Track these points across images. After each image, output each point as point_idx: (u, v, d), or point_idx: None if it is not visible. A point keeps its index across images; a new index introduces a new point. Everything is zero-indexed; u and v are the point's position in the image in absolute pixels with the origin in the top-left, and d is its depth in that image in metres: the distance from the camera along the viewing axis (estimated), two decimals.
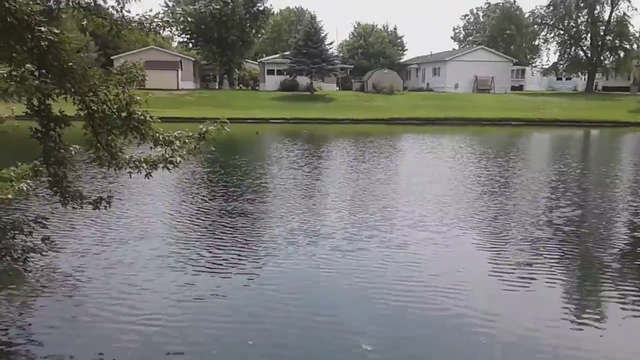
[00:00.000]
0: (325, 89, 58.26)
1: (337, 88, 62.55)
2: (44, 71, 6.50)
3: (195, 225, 10.54)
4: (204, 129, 7.33)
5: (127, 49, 63.70)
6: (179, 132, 7.27)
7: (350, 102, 53.12)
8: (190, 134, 7.31)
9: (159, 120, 6.99)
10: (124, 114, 6.65)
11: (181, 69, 60.20)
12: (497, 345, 5.93)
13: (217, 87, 65.28)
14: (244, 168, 18.36)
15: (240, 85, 68.00)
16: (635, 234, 10.54)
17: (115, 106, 6.71)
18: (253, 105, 49.27)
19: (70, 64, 6.24)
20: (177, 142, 7.04)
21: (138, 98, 6.80)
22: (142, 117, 6.67)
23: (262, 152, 25.64)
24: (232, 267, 8.09)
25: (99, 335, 5.96)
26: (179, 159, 7.44)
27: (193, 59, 64.08)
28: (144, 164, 7.27)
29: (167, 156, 7.41)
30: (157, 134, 6.87)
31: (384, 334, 6.09)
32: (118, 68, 7.16)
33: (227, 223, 10.63)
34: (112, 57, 58.38)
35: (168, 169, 7.54)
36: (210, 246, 9.08)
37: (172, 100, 51.09)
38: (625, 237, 10.40)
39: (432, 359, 5.67)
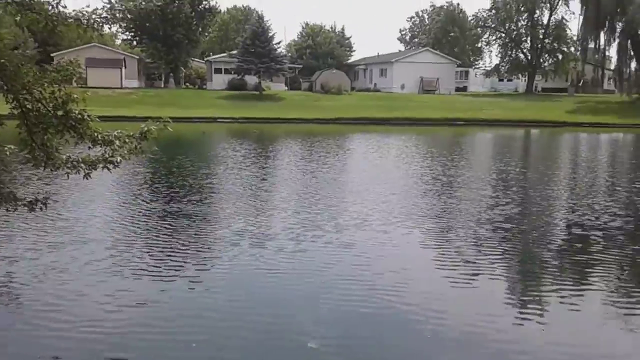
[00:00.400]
0: (273, 89, 58.07)
1: (286, 88, 62.47)
2: None
3: (136, 228, 10.22)
4: (146, 128, 7.16)
5: (68, 46, 61.66)
6: (119, 131, 7.07)
7: (299, 101, 53.13)
8: (131, 133, 7.13)
9: (98, 119, 6.79)
10: (60, 113, 6.42)
11: (125, 67, 58.76)
12: (442, 340, 6.02)
13: (162, 85, 64.03)
14: (188, 168, 18.05)
15: (187, 84, 67.00)
16: (573, 230, 10.94)
17: (51, 104, 6.48)
18: (200, 105, 48.59)
19: (2, 60, 5.99)
20: (117, 142, 6.85)
21: (75, 96, 6.58)
22: (80, 115, 6.46)
23: (208, 152, 25.31)
24: (175, 270, 7.89)
25: (36, 344, 5.72)
26: (119, 158, 7.24)
27: (137, 57, 62.66)
28: (82, 164, 7.04)
29: (107, 156, 7.20)
30: (96, 133, 6.67)
31: (331, 333, 6.09)
32: (54, 65, 6.93)
33: (169, 225, 10.38)
34: (52, 55, 56.45)
35: (108, 169, 7.34)
36: (151, 250, 8.83)
37: (116, 98, 49.82)
38: (563, 233, 10.81)
39: (378, 356, 5.69)
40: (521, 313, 6.84)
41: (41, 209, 7.00)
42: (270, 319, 6.43)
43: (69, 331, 5.94)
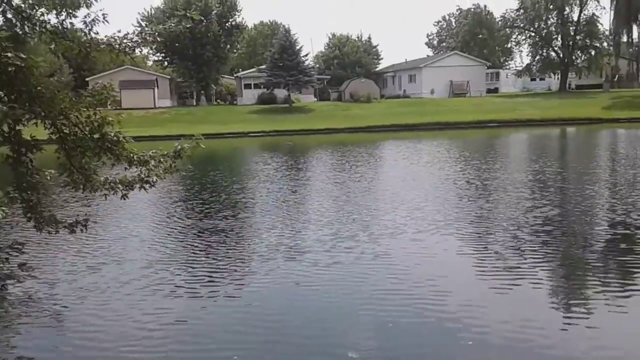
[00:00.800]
0: (303, 101, 58.40)
1: (315, 99, 62.75)
2: (13, 97, 6.42)
3: (172, 246, 10.33)
4: (179, 147, 7.30)
5: (102, 70, 63.25)
6: (154, 151, 7.23)
7: (329, 112, 53.29)
8: (165, 152, 7.28)
9: (133, 140, 6.95)
10: (96, 136, 6.60)
11: (157, 87, 59.90)
12: (485, 347, 5.92)
13: (194, 103, 65.10)
14: (221, 184, 18.26)
15: (218, 100, 67.93)
16: (616, 230, 10.61)
17: (88, 128, 6.67)
18: (231, 120, 49.20)
19: (39, 88, 6.19)
20: (152, 162, 7.01)
21: (110, 119, 6.76)
22: (115, 137, 6.63)
23: (240, 167, 25.54)
24: (212, 287, 7.93)
25: (94, 353, 5.86)
26: (155, 178, 7.41)
27: (169, 77, 63.90)
28: (119, 185, 7.21)
29: (143, 176, 7.37)
30: (132, 154, 6.83)
31: (371, 344, 6.06)
32: (89, 90, 7.12)
33: (204, 242, 10.44)
34: (87, 79, 57.99)
35: (145, 188, 7.50)
36: (187, 267, 8.89)
37: (150, 118, 50.80)
38: (606, 234, 10.46)
39: None
40: (566, 317, 6.68)
41: (82, 230, 7.16)
42: (308, 331, 6.43)
43: (111, 350, 6.04)
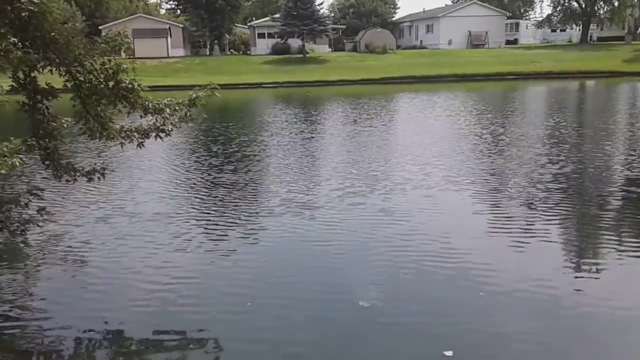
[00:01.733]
0: (317, 51, 57.61)
1: (330, 49, 61.86)
2: (27, 43, 6.38)
3: (182, 199, 10.32)
4: (194, 95, 7.25)
5: (114, 18, 62.69)
6: (169, 99, 7.18)
7: (344, 62, 52.63)
8: (180, 100, 7.23)
9: (148, 89, 6.91)
10: (111, 83, 6.56)
11: (170, 36, 59.32)
12: (496, 298, 5.98)
13: (207, 53, 64.48)
14: (233, 136, 18.19)
15: (231, 50, 67.20)
16: (632, 188, 10.49)
17: (102, 75, 6.61)
18: (245, 70, 48.82)
19: (53, 34, 6.12)
20: (168, 110, 6.97)
21: (125, 66, 6.71)
22: (130, 85, 6.58)
23: (254, 118, 25.43)
24: (222, 243, 7.92)
25: (84, 307, 6.02)
26: (170, 127, 7.39)
27: (182, 26, 63.12)
28: (135, 134, 7.20)
29: (159, 124, 7.35)
30: (147, 102, 6.79)
31: (381, 295, 6.11)
32: (103, 37, 7.04)
33: (215, 196, 10.40)
34: (99, 27, 57.48)
35: (160, 137, 7.48)
36: (197, 222, 8.87)
37: (163, 68, 50.54)
38: (622, 192, 10.34)
39: (430, 310, 5.72)
40: (578, 276, 6.66)
41: (99, 178, 7.21)
42: (319, 283, 6.50)
43: (119, 302, 6.15)
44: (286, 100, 33.98)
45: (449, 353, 4.87)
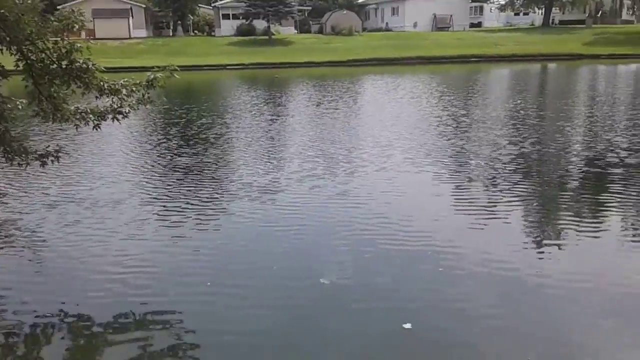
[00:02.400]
0: (283, 33, 57.14)
1: (296, 31, 61.39)
2: None
3: (141, 182, 10.11)
4: (152, 77, 7.11)
5: None
6: (126, 80, 7.03)
7: (309, 44, 52.31)
8: (138, 82, 7.08)
9: (104, 69, 6.74)
10: (64, 63, 6.38)
11: (132, 17, 57.98)
12: (458, 275, 6.07)
13: (170, 34, 63.25)
14: (194, 118, 17.84)
15: (195, 31, 66.08)
16: (591, 168, 10.68)
17: (55, 55, 6.43)
18: (209, 52, 48.11)
19: (2, 11, 5.90)
20: (124, 91, 6.82)
21: (79, 45, 6.53)
22: (85, 65, 6.41)
23: (217, 100, 25.10)
24: (181, 226, 7.82)
25: (62, 291, 5.91)
26: (127, 108, 7.25)
27: (144, 6, 61.65)
28: (90, 115, 7.04)
29: (116, 106, 7.20)
30: (102, 83, 6.63)
31: (343, 273, 6.14)
32: (55, 15, 6.82)
33: (175, 179, 10.26)
34: (58, 7, 55.66)
35: (117, 119, 7.35)
36: (154, 204, 8.74)
37: (124, 49, 49.47)
38: (579, 172, 10.57)
39: (389, 287, 5.78)
40: (537, 252, 6.80)
41: (52, 162, 7.02)
42: (280, 263, 6.48)
43: (78, 287, 6.07)
44: (251, 82, 33.65)
45: (407, 325, 4.98)
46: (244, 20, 57.52)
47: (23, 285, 6.08)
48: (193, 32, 65.67)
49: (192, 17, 65.26)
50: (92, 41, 7.20)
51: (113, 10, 56.28)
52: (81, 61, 6.39)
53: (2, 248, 6.96)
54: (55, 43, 6.39)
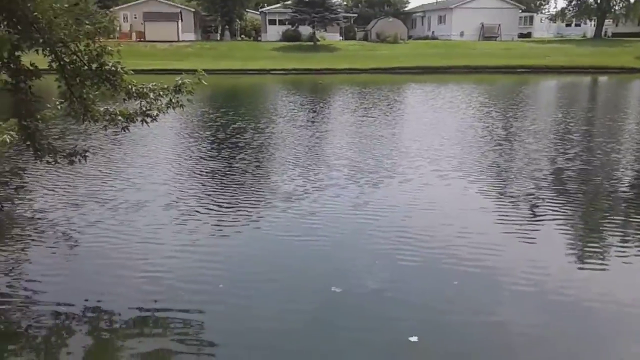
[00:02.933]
0: (328, 39, 57.31)
1: (341, 37, 61.48)
2: (11, 22, 6.36)
3: (166, 187, 10.06)
4: (180, 82, 7.21)
5: (126, 1, 62.62)
6: (154, 84, 7.16)
7: (354, 51, 52.34)
8: (166, 86, 7.20)
9: (132, 72, 6.88)
10: (94, 65, 6.54)
11: (181, 20, 59.20)
12: (475, 288, 5.97)
13: (218, 38, 64.30)
14: (229, 122, 18.04)
15: (242, 36, 66.91)
16: (636, 186, 10.34)
17: (86, 57, 6.60)
18: (255, 56, 48.65)
19: (35, 13, 6.10)
20: (152, 95, 6.94)
21: (110, 49, 6.68)
22: (114, 68, 6.56)
23: (257, 105, 25.32)
24: (207, 228, 7.93)
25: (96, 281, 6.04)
26: (156, 112, 7.37)
27: (193, 10, 62.93)
28: (119, 117, 7.19)
29: (145, 109, 7.33)
30: (130, 86, 6.77)
31: (356, 282, 6.09)
32: (89, 18, 7.00)
33: (202, 185, 10.30)
34: (110, 9, 57.46)
35: (146, 122, 7.48)
36: (180, 208, 8.83)
37: (173, 52, 50.56)
38: (629, 188, 10.24)
39: (402, 299, 5.70)
40: (579, 268, 6.63)
41: (79, 161, 7.20)
42: (295, 271, 6.49)
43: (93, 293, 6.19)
44: (293, 87, 33.82)
45: (413, 339, 4.92)
46: (289, 26, 57.98)
47: (47, 278, 6.24)
48: (240, 36, 66.55)
49: (239, 22, 66.14)
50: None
51: (163, 13, 57.63)
52: (110, 64, 6.54)
53: (32, 241, 7.16)
54: (87, 45, 6.56)
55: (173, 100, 7.32)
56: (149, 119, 7.43)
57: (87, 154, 7.27)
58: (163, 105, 7.35)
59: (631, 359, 4.84)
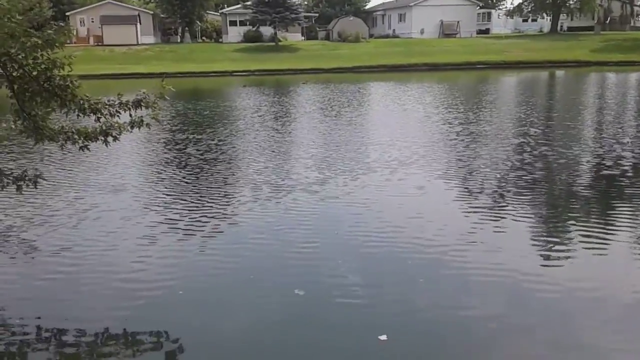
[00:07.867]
0: (290, 39, 57.14)
1: (302, 38, 61.36)
2: None
3: (136, 190, 10.08)
4: (140, 97, 6.85)
5: (82, 4, 61.21)
6: (111, 98, 6.80)
7: (316, 51, 52.27)
8: (124, 101, 6.80)
9: (82, 86, 6.52)
10: (42, 80, 6.21)
11: (140, 23, 58.15)
12: (443, 282, 6.03)
13: (178, 40, 63.41)
14: (200, 123, 17.84)
15: (203, 38, 66.13)
16: (600, 176, 10.57)
17: (34, 72, 6.27)
18: (216, 58, 48.14)
19: None
20: (106, 110, 6.59)
21: (60, 62, 6.35)
22: (62, 82, 6.22)
23: (219, 106, 24.96)
24: (184, 233, 7.76)
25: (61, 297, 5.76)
26: (115, 132, 6.94)
27: (152, 12, 61.90)
28: (76, 136, 6.82)
29: (105, 127, 6.89)
30: (83, 101, 6.43)
31: (319, 283, 5.98)
32: (39, 32, 6.66)
33: (177, 185, 10.26)
34: (67, 14, 56.17)
35: (107, 142, 6.97)
36: (157, 211, 8.70)
37: (132, 55, 49.65)
38: (588, 181, 10.46)
39: (367, 296, 5.69)
40: (545, 259, 6.68)
41: (28, 186, 6.77)
42: (261, 272, 6.42)
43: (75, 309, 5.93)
44: (256, 88, 33.51)
45: (383, 337, 4.87)
46: (251, 27, 57.57)
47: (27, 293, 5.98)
48: (201, 38, 65.76)
49: (199, 24, 65.34)
50: (71, 54, 6.95)
51: (121, 17, 56.51)
52: (58, 78, 6.20)
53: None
54: (34, 59, 6.23)
55: (134, 117, 6.94)
56: (110, 139, 7.00)
57: (38, 179, 6.81)
58: (127, 124, 6.97)
59: (601, 345, 4.84)
